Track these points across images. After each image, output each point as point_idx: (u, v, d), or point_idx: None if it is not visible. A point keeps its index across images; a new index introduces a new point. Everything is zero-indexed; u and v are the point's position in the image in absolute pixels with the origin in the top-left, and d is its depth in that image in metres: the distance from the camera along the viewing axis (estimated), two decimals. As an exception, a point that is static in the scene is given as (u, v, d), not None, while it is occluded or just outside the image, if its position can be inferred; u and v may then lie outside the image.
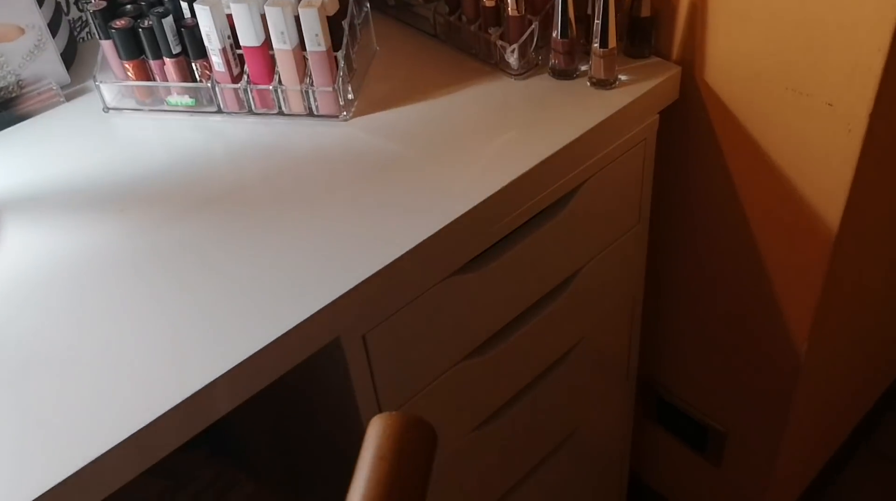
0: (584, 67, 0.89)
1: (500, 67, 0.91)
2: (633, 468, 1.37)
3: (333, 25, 0.83)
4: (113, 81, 0.88)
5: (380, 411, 0.81)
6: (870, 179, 0.87)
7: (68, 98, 0.91)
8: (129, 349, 0.64)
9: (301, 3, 0.79)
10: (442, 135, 0.83)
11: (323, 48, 0.81)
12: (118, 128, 0.88)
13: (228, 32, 0.82)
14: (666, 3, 0.89)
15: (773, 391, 1.08)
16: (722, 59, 0.88)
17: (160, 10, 0.82)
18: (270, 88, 0.84)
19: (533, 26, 0.87)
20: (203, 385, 0.62)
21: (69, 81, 0.92)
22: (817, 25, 0.78)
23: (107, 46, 0.85)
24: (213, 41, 0.81)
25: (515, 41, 0.87)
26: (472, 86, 0.90)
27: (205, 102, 0.87)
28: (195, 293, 0.69)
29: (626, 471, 1.35)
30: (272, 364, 0.66)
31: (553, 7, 0.85)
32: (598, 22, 0.84)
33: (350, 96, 0.87)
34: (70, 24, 0.96)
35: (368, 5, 0.93)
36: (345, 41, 0.84)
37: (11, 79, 0.87)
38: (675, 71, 0.90)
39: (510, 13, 0.87)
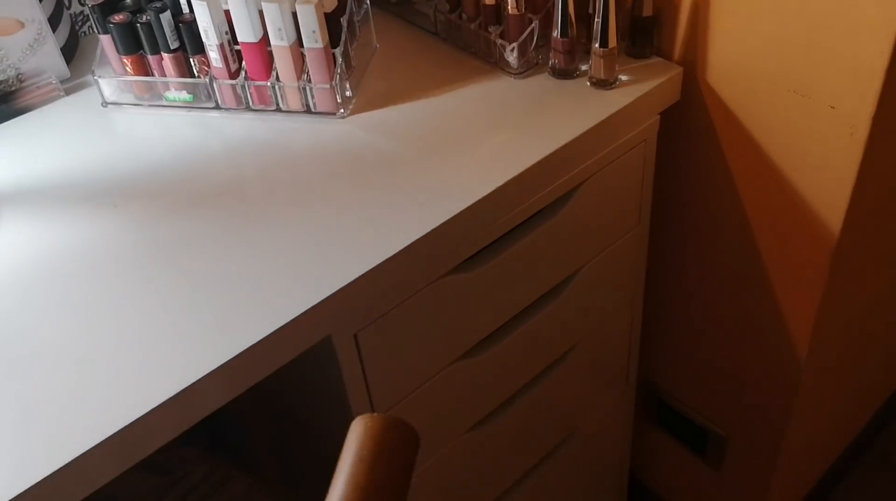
0: (584, 67, 0.88)
1: (500, 65, 0.90)
2: (633, 470, 1.36)
3: (332, 22, 0.82)
4: (112, 76, 0.88)
5: (372, 410, 0.81)
6: (872, 184, 0.86)
7: (68, 92, 0.91)
8: (119, 344, 0.64)
9: (299, -1, 0.79)
10: (439, 133, 0.83)
11: (320, 45, 0.80)
12: (117, 123, 0.88)
13: (226, 28, 0.82)
14: (668, 3, 0.88)
15: (773, 395, 1.07)
16: (724, 60, 0.87)
17: (158, 4, 0.82)
18: (268, 84, 0.84)
19: (533, 25, 0.87)
20: (192, 382, 0.61)
21: (69, 75, 0.93)
22: (820, 27, 0.77)
23: (105, 41, 0.85)
24: (210, 37, 0.81)
25: (515, 40, 0.87)
26: (471, 84, 0.89)
27: (203, 98, 0.87)
28: (187, 289, 0.68)
29: (626, 474, 1.34)
30: (262, 362, 0.65)
31: (553, 6, 0.85)
32: (598, 21, 0.83)
33: (348, 93, 0.86)
34: (72, 19, 0.96)
35: (369, 2, 0.93)
36: (343, 38, 0.84)
37: (11, 72, 0.87)
38: (676, 72, 0.89)
39: (510, 12, 0.86)
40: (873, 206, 0.91)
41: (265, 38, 0.82)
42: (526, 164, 0.78)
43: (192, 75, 0.86)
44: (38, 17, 0.87)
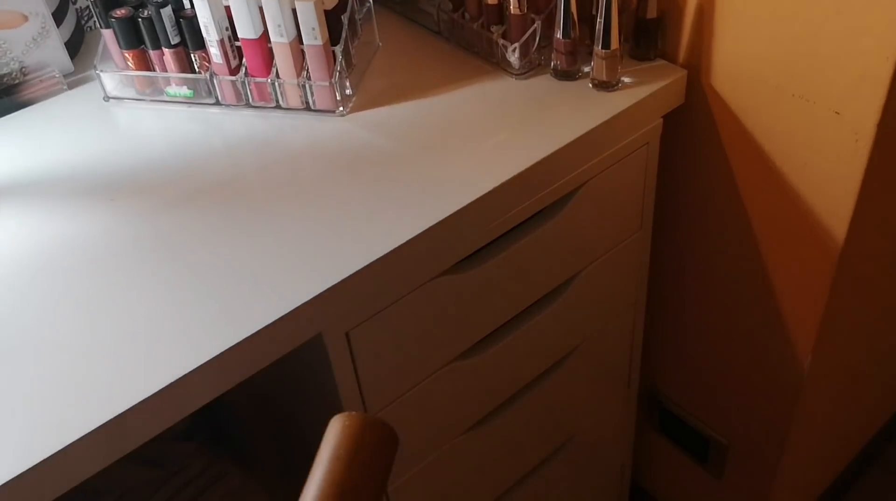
0: (586, 69, 0.88)
1: (502, 66, 0.90)
2: (634, 477, 1.35)
3: (332, 20, 0.82)
4: (114, 71, 0.88)
5: (365, 409, 0.80)
6: (877, 191, 0.85)
7: (71, 86, 0.92)
8: (109, 336, 0.64)
9: (299, -4, 0.79)
10: (438, 133, 0.82)
11: (320, 42, 0.80)
12: (118, 117, 0.88)
13: (227, 24, 0.82)
14: (673, 5, 0.87)
15: (775, 404, 1.05)
16: (729, 64, 0.86)
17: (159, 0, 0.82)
18: (267, 81, 0.84)
19: (535, 25, 0.86)
20: (180, 376, 0.61)
21: (73, 69, 0.93)
22: (825, 32, 0.76)
23: (107, 35, 0.85)
24: (211, 32, 0.81)
25: (517, 40, 0.86)
26: (472, 84, 0.88)
27: (203, 94, 0.87)
28: (181, 282, 0.68)
29: (627, 480, 1.33)
30: (251, 358, 0.65)
31: (556, 6, 0.84)
32: (600, 22, 0.82)
33: (348, 91, 0.86)
34: (77, 13, 0.97)
35: (371, 1, 0.92)
36: (343, 36, 0.84)
37: (14, 65, 0.88)
38: (680, 75, 0.88)
39: (512, 11, 0.86)
40: (878, 213, 0.90)
41: (265, 35, 0.82)
42: (524, 164, 0.77)
43: (193, 71, 0.86)
44: (42, 10, 0.88)
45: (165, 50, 0.84)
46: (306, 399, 0.86)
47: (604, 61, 0.84)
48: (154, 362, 0.62)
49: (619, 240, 0.96)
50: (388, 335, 0.77)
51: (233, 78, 0.84)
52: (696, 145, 0.94)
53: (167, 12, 0.81)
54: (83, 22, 0.98)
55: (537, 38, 0.87)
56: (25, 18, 0.87)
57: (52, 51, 0.90)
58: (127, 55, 0.86)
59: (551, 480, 1.15)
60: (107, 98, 0.89)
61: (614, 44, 0.83)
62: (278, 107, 0.86)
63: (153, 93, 0.88)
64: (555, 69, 0.88)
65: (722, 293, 1.03)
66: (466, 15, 0.91)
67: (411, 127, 0.83)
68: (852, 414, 1.29)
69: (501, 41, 0.88)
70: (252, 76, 0.84)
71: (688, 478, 1.29)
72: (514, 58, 0.87)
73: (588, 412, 1.14)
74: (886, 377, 1.34)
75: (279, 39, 0.80)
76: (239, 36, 0.82)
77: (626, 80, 0.87)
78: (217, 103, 0.87)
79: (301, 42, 0.81)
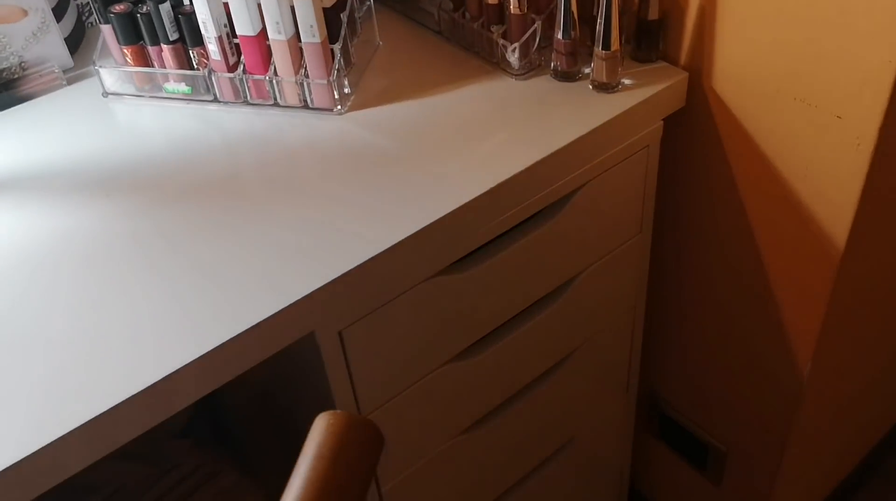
0: (587, 70, 0.87)
1: (502, 66, 0.89)
2: (633, 482, 1.34)
3: (331, 17, 0.82)
4: (113, 66, 0.88)
5: (358, 410, 0.80)
6: (879, 196, 0.84)
7: (70, 82, 0.92)
8: (99, 331, 0.64)
9: (298, -7, 0.78)
10: (436, 133, 0.82)
11: (318, 40, 0.80)
12: (117, 113, 0.88)
13: (225, 21, 0.82)
14: (675, 6, 0.86)
15: (774, 411, 1.04)
16: (730, 67, 0.85)
17: (159, -5, 0.82)
18: (265, 78, 0.84)
19: (535, 26, 0.86)
20: (169, 372, 0.61)
21: (72, 64, 0.93)
22: (828, 35, 0.75)
23: (107, 31, 0.85)
24: (209, 29, 0.81)
25: (517, 40, 0.86)
26: (471, 84, 0.88)
27: (202, 91, 0.87)
28: (173, 278, 0.68)
29: (625, 485, 1.32)
30: (241, 355, 0.65)
31: (556, 7, 0.83)
32: (600, 23, 0.82)
33: (347, 90, 0.86)
34: (78, 9, 0.97)
35: (372, -1, 0.92)
36: (342, 34, 0.83)
37: (14, 60, 0.88)
38: (681, 77, 0.87)
39: (513, 11, 0.85)
40: (880, 219, 0.89)
41: (264, 32, 0.81)
42: (522, 165, 0.77)
43: (192, 67, 0.86)
44: (42, 5, 0.88)
45: (164, 46, 0.84)
46: (302, 399, 0.86)
47: (604, 62, 0.83)
48: (143, 357, 0.62)
49: (618, 243, 0.96)
50: (383, 335, 0.76)
51: (231, 75, 0.84)
52: (696, 149, 0.94)
53: (166, 8, 0.81)
54: (84, 18, 0.98)
55: (537, 39, 0.87)
56: (25, 13, 0.87)
57: (51, 46, 0.90)
58: (126, 51, 0.86)
59: (549, 484, 1.15)
60: (105, 94, 0.89)
61: (615, 45, 0.82)
62: (276, 104, 0.86)
63: (152, 89, 0.88)
64: (555, 70, 0.87)
65: (722, 299, 1.02)
66: (467, 14, 0.91)
67: (409, 126, 0.83)
68: (853, 423, 1.28)
69: (501, 41, 0.87)
70: (250, 73, 0.84)
71: (686, 484, 1.28)
72: (513, 58, 0.87)
73: (586, 416, 1.13)
74: (889, 385, 1.33)
75: (277, 37, 0.80)
76: (237, 33, 0.81)
77: (627, 81, 0.86)
78: (215, 100, 0.87)
79: (299, 40, 0.81)
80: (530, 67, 0.88)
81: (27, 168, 0.81)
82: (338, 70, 0.83)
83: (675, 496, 1.33)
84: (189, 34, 0.83)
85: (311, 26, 0.79)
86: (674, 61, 0.90)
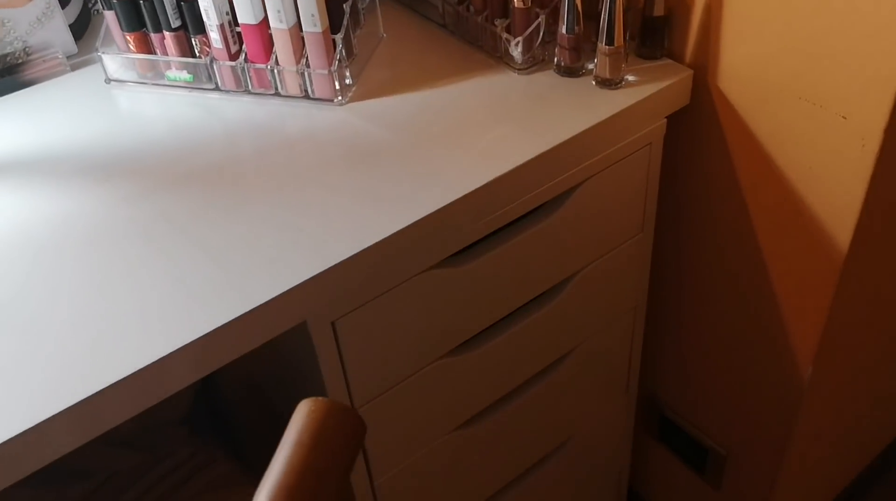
0: (590, 66, 0.86)
1: (505, 60, 0.88)
2: (631, 484, 1.33)
3: (333, 7, 0.82)
4: (116, 53, 0.88)
5: (351, 401, 0.79)
6: (883, 197, 0.83)
7: (74, 68, 0.92)
8: (90, 314, 0.64)
9: (300, -18, 0.78)
10: (436, 125, 0.81)
11: (319, 29, 0.80)
12: (119, 100, 0.88)
13: (227, 9, 0.81)
14: (680, 3, 0.85)
15: (775, 414, 1.03)
16: (736, 65, 0.84)
17: (162, -18, 0.82)
18: (267, 67, 0.84)
19: (539, 20, 0.85)
20: (161, 356, 0.61)
21: (76, 51, 0.93)
22: (834, 34, 0.74)
23: (110, 17, 0.85)
24: (211, 17, 0.81)
25: (521, 34, 0.85)
26: (474, 78, 0.87)
27: (203, 79, 0.86)
28: (168, 263, 0.68)
29: (624, 487, 1.31)
30: (232, 342, 0.65)
31: (561, 1, 0.83)
32: (604, 18, 0.81)
33: (348, 81, 0.85)
34: (85, -5, 0.97)
35: (376, -10, 0.92)
36: (344, 24, 0.83)
37: (18, 45, 0.88)
38: (686, 74, 0.86)
39: (516, 5, 0.85)
40: (884, 221, 0.88)
41: (266, 21, 0.81)
42: (521, 159, 0.76)
43: (194, 55, 0.86)
44: (47, -9, 0.88)
45: (166, 33, 0.84)
46: (297, 390, 0.86)
47: (607, 58, 0.83)
48: (133, 341, 0.62)
49: (619, 242, 0.95)
50: (376, 327, 0.76)
51: (232, 63, 0.84)
52: (699, 147, 0.93)
53: (168, -5, 0.81)
54: (90, 5, 0.99)
55: (541, 33, 0.86)
56: (30, -2, 0.87)
57: (55, 32, 0.90)
58: (128, 38, 0.86)
59: (546, 483, 1.14)
60: (108, 81, 0.89)
61: (618, 40, 0.82)
62: (277, 94, 0.85)
63: (154, 76, 0.88)
64: (558, 65, 0.87)
65: (722, 300, 1.01)
66: (471, 8, 0.91)
67: (410, 118, 0.82)
68: (856, 429, 1.26)
69: (505, 35, 0.87)
70: (252, 62, 0.84)
71: (685, 488, 1.27)
72: (516, 52, 0.86)
73: (585, 416, 1.12)
74: (892, 392, 1.31)
75: (279, 25, 0.80)
76: (239, 21, 0.81)
77: (630, 78, 0.85)
78: (217, 89, 0.87)
79: (301, 29, 0.81)
80: (533, 62, 0.88)
81: (29, 152, 0.82)
82: (339, 60, 0.83)
83: (673, 499, 1.31)
84: (191, 22, 0.83)
85: (313, 15, 0.78)
86: (679, 59, 0.89)
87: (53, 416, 0.57)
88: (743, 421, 1.09)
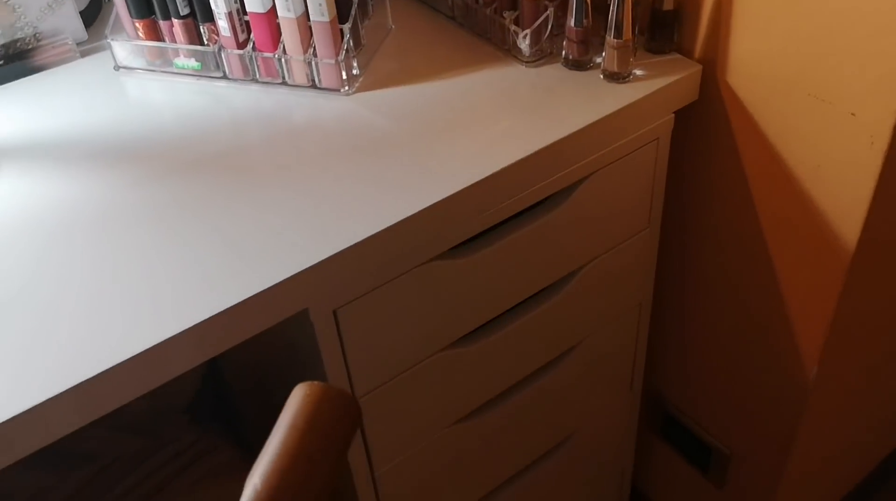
0: (598, 59, 0.86)
1: (513, 53, 0.88)
2: (634, 482, 1.33)
3: (342, -3, 0.82)
4: (124, 40, 0.88)
5: (352, 390, 0.80)
6: (891, 196, 0.82)
7: (83, 54, 0.93)
8: (90, 297, 0.64)
9: (308, -29, 0.78)
10: (442, 116, 0.81)
11: (327, 19, 0.80)
12: (127, 86, 0.89)
13: (236, -3, 0.82)
14: (690, -2, 0.85)
15: (779, 414, 1.03)
16: (745, 60, 0.84)
17: (171, -30, 0.82)
18: (274, 56, 0.84)
19: (548, 12, 0.85)
20: (159, 341, 0.61)
21: (86, 37, 0.94)
22: (844, 30, 0.74)
23: (119, 4, 0.86)
24: (219, 5, 0.81)
25: (529, 26, 0.85)
26: (481, 70, 0.87)
27: (212, 67, 0.87)
28: (170, 248, 0.68)
29: (627, 484, 1.31)
30: (234, 328, 0.65)
31: (570, -7, 0.82)
32: (613, 11, 0.80)
33: (355, 71, 0.85)
34: (96, -17, 0.98)
35: (384, -19, 0.92)
36: (352, 14, 0.83)
37: (28, 31, 0.89)
38: (694, 69, 0.86)
39: (525, -3, 0.84)
40: (892, 220, 0.87)
41: (274, 10, 0.81)
42: (526, 152, 0.76)
43: (202, 43, 0.86)
44: (58, -23, 0.88)
45: (175, 21, 0.84)
46: (298, 379, 0.85)
47: (615, 51, 0.82)
48: (137, 324, 0.62)
49: (625, 237, 0.94)
50: (378, 317, 0.76)
51: (240, 52, 0.84)
52: (707, 143, 0.92)
53: (177, -18, 0.82)
54: (102, -8, 0.99)
55: (549, 26, 0.86)
56: (41, -16, 0.87)
57: (66, 18, 0.91)
58: (138, 25, 0.86)
59: (548, 480, 1.14)
60: (117, 67, 0.90)
61: (626, 34, 0.81)
62: (284, 83, 0.86)
63: (163, 64, 0.89)
64: (566, 58, 0.86)
65: (728, 297, 1.01)
66: (480, 0, 0.90)
67: (416, 110, 0.82)
68: (863, 430, 1.25)
69: (513, 27, 0.86)
70: (259, 51, 0.84)
71: (688, 487, 1.26)
72: (524, 44, 0.86)
73: (588, 412, 1.12)
74: (901, 396, 1.30)
75: (286, 14, 0.80)
76: (247, 10, 0.81)
77: (639, 72, 0.85)
78: (224, 77, 0.87)
79: (308, 18, 0.81)
80: (541, 55, 0.87)
81: (39, 137, 0.82)
82: (346, 51, 0.83)
83: (676, 497, 1.31)
84: (200, 10, 0.83)
85: (321, 5, 0.78)
86: (688, 54, 0.88)
87: (60, 393, 0.58)
88: (747, 421, 1.08)
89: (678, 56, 0.88)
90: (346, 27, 0.82)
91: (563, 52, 0.86)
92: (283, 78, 0.85)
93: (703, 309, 1.06)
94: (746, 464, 1.13)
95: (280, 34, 0.83)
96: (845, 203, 0.82)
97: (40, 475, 0.86)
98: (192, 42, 0.86)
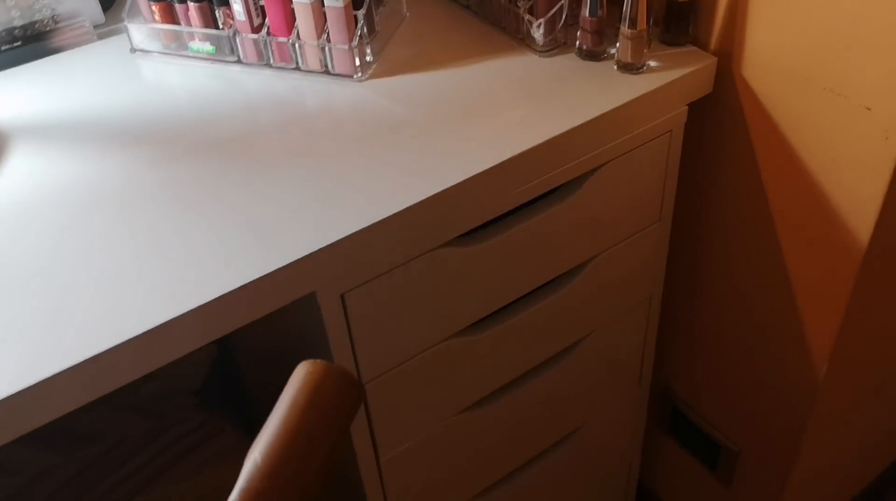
0: (612, 50, 0.86)
1: (527, 42, 0.88)
2: (641, 477, 1.33)
3: (356, -17, 0.82)
4: (141, 23, 0.89)
5: (358, 375, 0.80)
6: (906, 194, 0.81)
7: (100, 37, 0.93)
8: (98, 275, 0.65)
9: (323, -44, 0.78)
10: (454, 104, 0.81)
11: (341, 4, 0.80)
12: (143, 69, 0.89)
13: (251, -19, 0.82)
14: (706, -11, 0.85)
15: (788, 412, 1.02)
16: (761, 53, 0.83)
17: (187, -47, 0.83)
18: (288, 41, 0.84)
19: (562, 2, 0.84)
20: (164, 321, 0.62)
21: (103, 20, 0.94)
22: (859, 23, 0.73)
23: (136, -13, 0.86)
24: (234, -11, 0.81)
25: (543, 16, 0.85)
26: (495, 59, 0.87)
27: (226, 51, 0.87)
28: (180, 228, 0.69)
29: (634, 479, 1.31)
30: (240, 309, 0.65)
31: (585, -17, 0.82)
32: (627, 1, 0.80)
33: (368, 58, 0.86)
34: (115, -33, 0.98)
35: (401, -31, 0.92)
36: (367, 1, 0.83)
37: (46, 13, 0.90)
38: (709, 62, 0.85)
39: (540, -14, 0.84)
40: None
41: (289, -5, 0.82)
42: (537, 140, 0.76)
43: (217, 27, 0.86)
44: (76, -40, 0.89)
45: (191, 4, 0.85)
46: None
47: (629, 42, 0.82)
48: (145, 302, 0.63)
49: (636, 229, 0.94)
50: (386, 302, 0.76)
51: (255, 36, 0.85)
52: (721, 136, 0.92)
53: (194, -34, 0.82)
54: (119, -24, 1.00)
55: (564, 15, 0.85)
56: (59, -34, 0.88)
57: (84, 1, 0.91)
58: (154, 8, 0.87)
59: (554, 472, 1.14)
60: (133, 50, 0.90)
61: (641, 24, 0.81)
62: (298, 69, 0.86)
63: (178, 47, 0.89)
64: (580, 49, 0.86)
65: (738, 292, 1.00)
66: (495, -11, 0.90)
67: (428, 97, 0.82)
68: (873, 429, 1.24)
69: (527, 16, 0.86)
70: (274, 36, 0.84)
71: (695, 483, 1.25)
72: (538, 34, 0.86)
73: (596, 406, 1.11)
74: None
75: (301, -1, 0.80)
76: (262, -6, 0.82)
77: (653, 63, 0.84)
78: (238, 61, 0.87)
79: (323, 4, 0.81)
80: (555, 45, 0.87)
81: (56, 116, 0.83)
82: (360, 37, 0.83)
83: (683, 494, 1.30)
84: (215, -7, 0.84)
85: (335, -10, 0.79)
86: (703, 46, 0.88)
87: (69, 368, 0.58)
88: (756, 418, 1.08)
89: (693, 48, 0.87)
90: (361, 13, 0.83)
91: (578, 43, 0.86)
92: (297, 63, 0.86)
93: (713, 303, 1.05)
94: (754, 462, 1.12)
95: (294, 19, 0.83)
96: (859, 198, 0.81)
97: (47, 453, 0.87)
98: (208, 26, 0.86)
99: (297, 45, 0.84)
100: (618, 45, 0.83)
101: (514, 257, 0.84)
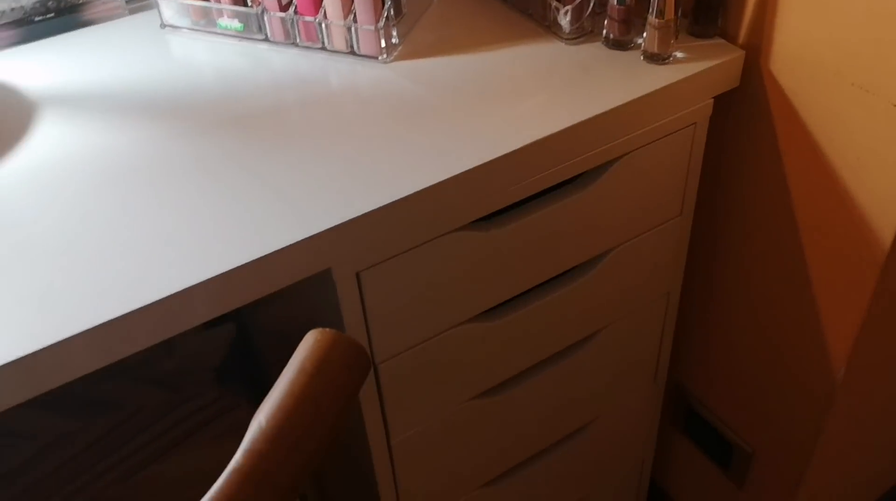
0: (639, 40, 0.85)
1: (553, 29, 0.88)
2: (653, 475, 1.32)
3: (385, -35, 0.82)
4: (172, -1, 0.90)
5: (372, 355, 0.80)
6: (933, 195, 0.80)
7: (132, 12, 0.95)
8: (117, 243, 0.66)
9: (352, -64, 0.79)
10: (478, 88, 0.81)
11: (368, -15, 0.80)
12: (171, 44, 0.90)
13: (281, -40, 0.83)
14: (737, -19, 0.84)
15: (803, 414, 1.01)
16: (789, 48, 0.82)
17: (220, -70, 0.83)
18: (315, 20, 0.84)
19: (591, -11, 0.84)
20: (179, 289, 0.62)
21: (136, -5, 0.96)
22: (889, 19, 0.72)
23: (168, -37, 0.87)
24: (264, -34, 0.82)
25: (570, 3, 0.84)
26: (521, 45, 0.87)
27: (254, 29, 0.88)
28: (199, 200, 0.70)
29: (646, 477, 1.30)
30: (255, 281, 0.66)
31: (614, -29, 0.82)
32: (656, -10, 0.80)
33: (394, 40, 0.86)
34: (148, -57, 1.00)
35: (430, -48, 0.92)
36: (395, -18, 0.84)
37: (80, -15, 0.91)
38: (737, 55, 0.85)
39: (568, -27, 0.84)
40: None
41: (317, -26, 0.82)
42: (559, 126, 0.76)
43: (246, 5, 0.87)
44: (111, -66, 0.90)
45: (220, -19, 0.86)
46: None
47: (657, 32, 0.81)
48: (160, 271, 0.63)
49: (656, 223, 0.94)
50: (401, 283, 0.77)
51: (282, 15, 0.85)
52: (746, 131, 0.91)
53: (225, -57, 0.83)
54: (153, -47, 1.01)
55: (591, 3, 0.85)
56: (94, -60, 0.89)
57: (117, -25, 0.93)
58: (185, -16, 0.88)
59: (566, 464, 1.13)
60: (163, 25, 0.92)
61: (668, 14, 0.80)
62: (324, 48, 0.86)
63: (207, 24, 0.90)
64: (606, 38, 0.86)
65: (757, 291, 0.99)
66: (524, -25, 0.90)
67: (452, 80, 0.82)
68: (892, 435, 1.23)
69: (554, 3, 0.86)
70: (301, 15, 0.85)
71: (708, 484, 1.25)
72: (565, 21, 0.85)
73: (610, 400, 1.11)
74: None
75: (329, -21, 0.81)
76: (291, -27, 0.82)
77: (679, 55, 0.84)
78: (266, 39, 0.88)
79: (351, -16, 0.82)
80: (582, 32, 0.87)
81: (86, 87, 0.85)
82: (387, 18, 0.83)
83: (695, 494, 1.30)
84: (245, -29, 0.84)
85: (363, -30, 0.79)
86: (732, 39, 0.87)
87: (89, 329, 0.60)
88: (771, 420, 1.07)
89: (721, 41, 0.86)
90: (388, -5, 0.83)
91: (605, 31, 0.86)
92: (323, 43, 0.86)
93: (730, 301, 1.04)
94: (768, 464, 1.11)
95: (322, -1, 0.84)
96: (884, 198, 0.80)
97: (64, 419, 0.88)
98: (236, 3, 0.87)
99: (323, 25, 0.85)
100: (645, 34, 0.83)
101: (532, 243, 0.84)
